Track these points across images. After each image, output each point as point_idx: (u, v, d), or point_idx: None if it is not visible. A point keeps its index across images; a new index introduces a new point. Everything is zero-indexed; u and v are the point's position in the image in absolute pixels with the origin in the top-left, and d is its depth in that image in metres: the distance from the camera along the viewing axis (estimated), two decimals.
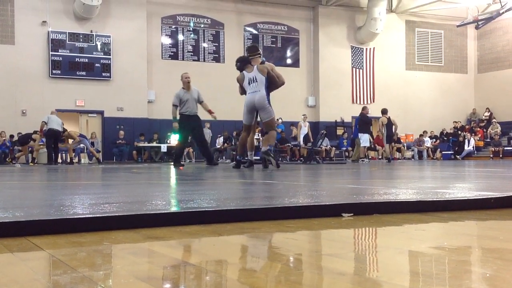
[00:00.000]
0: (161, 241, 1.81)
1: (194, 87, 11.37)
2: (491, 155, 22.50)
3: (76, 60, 20.20)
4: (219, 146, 20.88)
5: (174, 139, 20.50)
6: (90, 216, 2.06)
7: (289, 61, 24.01)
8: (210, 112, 11.46)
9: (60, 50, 20.04)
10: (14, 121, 19.69)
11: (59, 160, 19.54)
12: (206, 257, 1.56)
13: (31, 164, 17.18)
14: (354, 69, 24.67)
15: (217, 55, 22.67)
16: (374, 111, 20.53)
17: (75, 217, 2.05)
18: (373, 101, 24.38)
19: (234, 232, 1.99)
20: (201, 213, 2.21)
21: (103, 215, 2.07)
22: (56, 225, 1.94)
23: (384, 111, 17.56)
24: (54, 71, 19.96)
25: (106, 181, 6.05)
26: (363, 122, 17.17)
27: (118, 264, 1.49)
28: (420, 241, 1.87)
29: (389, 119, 17.50)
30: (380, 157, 18.59)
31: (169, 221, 2.12)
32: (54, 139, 16.97)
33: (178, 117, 11.27)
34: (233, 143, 20.39)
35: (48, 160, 16.85)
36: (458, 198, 2.80)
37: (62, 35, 20.10)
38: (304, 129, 20.49)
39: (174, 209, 2.54)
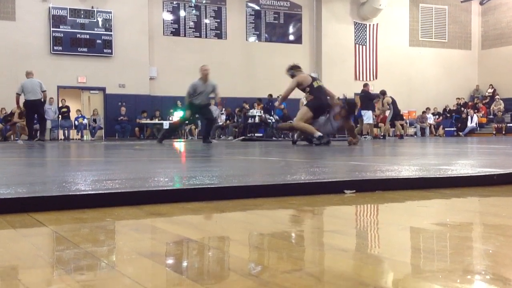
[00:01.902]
0: (164, 218, 1.81)
1: (211, 81, 11.62)
2: (494, 132, 22.44)
3: (78, 37, 20.07)
4: (221, 123, 20.85)
5: (177, 116, 20.49)
6: (92, 192, 2.07)
7: (291, 37, 23.82)
8: (218, 101, 11.71)
9: (61, 26, 19.90)
10: (14, 98, 19.60)
11: (61, 137, 19.57)
12: (209, 234, 1.56)
13: (35, 140, 16.89)
14: (357, 45, 24.49)
15: (219, 32, 22.51)
16: (377, 88, 20.44)
17: (78, 193, 2.05)
18: (376, 78, 24.25)
19: (237, 208, 1.99)
20: (204, 189, 2.21)
21: (105, 192, 2.07)
22: (58, 201, 1.94)
23: (383, 92, 17.68)
24: (55, 48, 19.85)
25: (109, 157, 6.05)
26: (366, 99, 17.14)
27: (121, 240, 1.49)
28: (422, 217, 1.87)
29: (392, 98, 17.61)
30: (382, 134, 18.56)
31: (171, 197, 2.12)
32: (34, 110, 13.91)
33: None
34: (235, 120, 20.36)
35: (29, 136, 14.39)
36: (461, 175, 2.80)
37: (63, 11, 19.94)
38: None
39: (176, 185, 2.54)
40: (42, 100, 13.88)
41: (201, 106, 11.57)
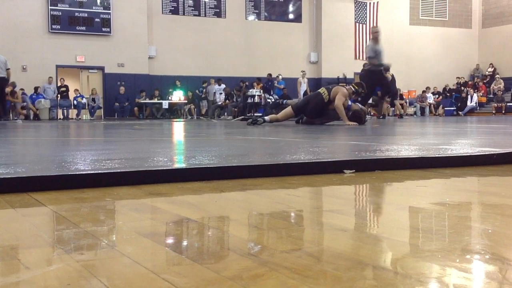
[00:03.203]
0: (163, 197, 1.82)
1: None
2: (493, 111, 22.41)
3: (76, 15, 19.92)
4: (220, 103, 20.80)
5: (176, 96, 20.43)
6: (92, 172, 2.06)
7: (291, 16, 23.65)
8: None
9: (59, 5, 19.74)
10: (14, 77, 19.46)
11: (60, 116, 19.54)
12: (208, 214, 1.57)
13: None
14: (357, 24, 24.32)
15: (218, 10, 22.33)
16: None
17: (77, 173, 2.05)
18: None
19: (236, 188, 1.99)
20: (203, 169, 2.21)
21: (105, 171, 2.07)
22: (58, 181, 1.94)
23: (387, 68, 17.52)
24: (53, 26, 19.71)
25: (108, 137, 6.05)
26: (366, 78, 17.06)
27: (121, 220, 1.50)
28: (421, 197, 1.88)
29: (392, 76, 17.47)
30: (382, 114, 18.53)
31: (171, 177, 2.12)
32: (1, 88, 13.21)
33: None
34: (234, 100, 20.31)
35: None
36: (460, 154, 2.80)
37: None
38: (304, 86, 20.37)
39: (176, 165, 2.54)
40: (6, 77, 13.53)
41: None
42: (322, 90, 9.27)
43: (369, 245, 1.14)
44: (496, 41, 25.72)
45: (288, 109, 9.50)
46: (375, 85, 12.20)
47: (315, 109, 9.04)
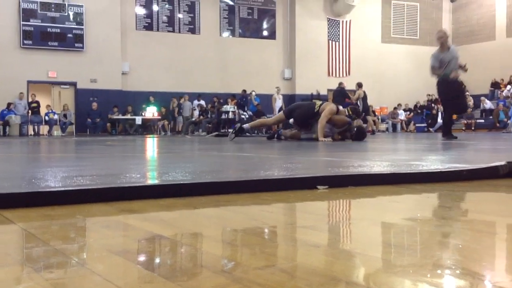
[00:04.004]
0: (136, 214, 1.80)
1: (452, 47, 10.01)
2: (463, 128, 22.82)
3: (48, 30, 19.75)
4: (194, 119, 20.76)
5: (149, 112, 20.32)
6: (62, 189, 2.03)
7: (265, 33, 23.84)
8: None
9: (31, 20, 19.55)
10: None
11: (31, 132, 19.25)
12: (181, 230, 1.55)
13: None
14: (330, 41, 24.63)
15: (192, 26, 22.39)
16: (350, 84, 20.62)
17: (47, 190, 2.02)
18: (349, 74, 24.43)
19: (210, 204, 1.98)
20: (176, 186, 2.20)
21: (76, 188, 2.04)
22: (27, 198, 1.91)
23: (360, 85, 17.82)
24: (25, 41, 19.50)
25: (80, 153, 5.98)
26: (340, 95, 17.27)
27: (92, 237, 1.47)
28: (394, 212, 1.89)
29: (364, 92, 17.76)
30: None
31: (143, 194, 2.10)
32: None
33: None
34: (209, 116, 20.29)
35: None
36: (431, 170, 2.84)
37: (33, 4, 19.60)
38: (279, 102, 20.51)
39: (148, 182, 2.52)
40: None
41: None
42: (317, 102, 9.54)
43: (342, 261, 1.14)
44: (466, 59, 26.06)
45: (280, 114, 9.74)
46: (452, 98, 9.70)
47: (303, 115, 9.17)
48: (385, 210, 1.95)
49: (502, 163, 2.78)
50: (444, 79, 9.48)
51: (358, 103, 17.75)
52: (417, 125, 23.70)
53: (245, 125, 9.69)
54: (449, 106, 9.98)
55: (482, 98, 23.50)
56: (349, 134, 9.01)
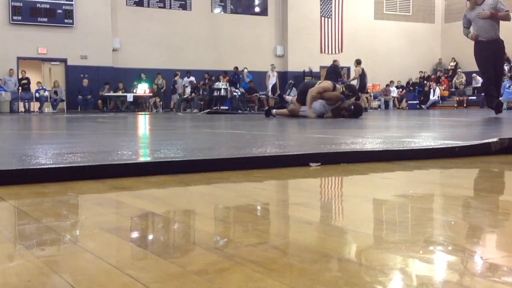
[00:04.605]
0: (128, 192, 1.79)
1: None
2: (455, 105, 22.87)
3: (37, 6, 19.47)
4: (186, 96, 20.65)
5: (141, 89, 20.20)
6: (53, 166, 2.02)
7: (257, 9, 23.63)
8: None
9: None
10: None
11: (22, 109, 19.11)
12: (174, 207, 1.55)
13: None
14: (322, 18, 24.46)
15: (183, 2, 22.14)
16: (343, 61, 20.56)
17: (38, 167, 2.01)
18: (341, 51, 24.33)
19: (202, 182, 1.98)
20: (168, 163, 2.19)
21: (67, 165, 2.03)
22: (18, 175, 1.89)
23: (359, 62, 17.84)
24: (14, 17, 19.23)
25: (71, 130, 5.94)
26: (333, 72, 17.23)
27: (83, 214, 1.47)
28: (385, 189, 1.90)
29: (363, 69, 17.80)
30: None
31: (135, 171, 2.09)
32: None
33: None
34: (200, 93, 20.19)
35: None
36: (423, 147, 2.85)
37: None
38: (273, 79, 20.42)
39: (140, 159, 2.51)
40: None
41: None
42: (319, 81, 10.06)
43: (334, 238, 1.15)
44: (459, 36, 26.01)
45: (295, 102, 9.87)
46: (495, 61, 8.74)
47: (304, 92, 9.44)
48: (377, 187, 1.96)
49: (494, 139, 2.78)
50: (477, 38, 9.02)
51: (356, 80, 17.81)
52: (409, 102, 23.72)
53: (273, 111, 10.20)
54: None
55: (474, 75, 23.47)
56: (346, 113, 9.01)
